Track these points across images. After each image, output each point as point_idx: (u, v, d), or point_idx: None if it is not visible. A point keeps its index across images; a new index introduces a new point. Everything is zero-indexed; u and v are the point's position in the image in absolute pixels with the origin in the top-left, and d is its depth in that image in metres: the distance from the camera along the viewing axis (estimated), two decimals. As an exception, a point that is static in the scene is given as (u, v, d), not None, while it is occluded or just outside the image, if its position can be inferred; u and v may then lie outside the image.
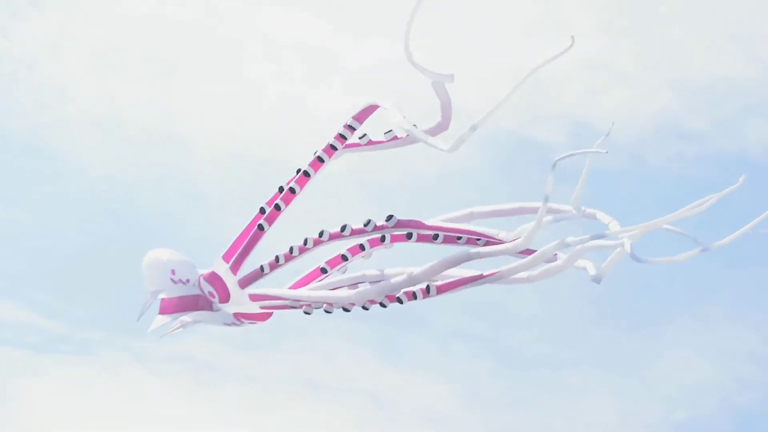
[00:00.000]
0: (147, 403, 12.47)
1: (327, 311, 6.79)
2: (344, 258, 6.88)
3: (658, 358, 12.13)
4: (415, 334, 11.98)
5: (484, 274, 6.40)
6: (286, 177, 6.80)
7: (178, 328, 6.87)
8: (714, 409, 12.00)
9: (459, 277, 6.50)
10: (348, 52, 13.40)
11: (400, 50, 6.03)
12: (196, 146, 13.28)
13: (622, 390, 12.13)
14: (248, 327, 7.00)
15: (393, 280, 6.63)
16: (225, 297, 6.73)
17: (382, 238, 6.78)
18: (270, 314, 6.94)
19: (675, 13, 7.36)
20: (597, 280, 6.08)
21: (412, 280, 6.52)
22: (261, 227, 6.70)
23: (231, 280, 6.73)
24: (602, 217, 6.48)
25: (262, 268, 6.74)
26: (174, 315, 6.80)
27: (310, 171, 6.84)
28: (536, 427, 12.16)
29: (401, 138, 6.88)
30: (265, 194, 6.72)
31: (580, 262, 6.22)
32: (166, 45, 13.81)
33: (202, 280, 6.72)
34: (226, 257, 6.73)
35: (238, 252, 6.75)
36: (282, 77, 13.64)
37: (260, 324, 6.96)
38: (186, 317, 6.85)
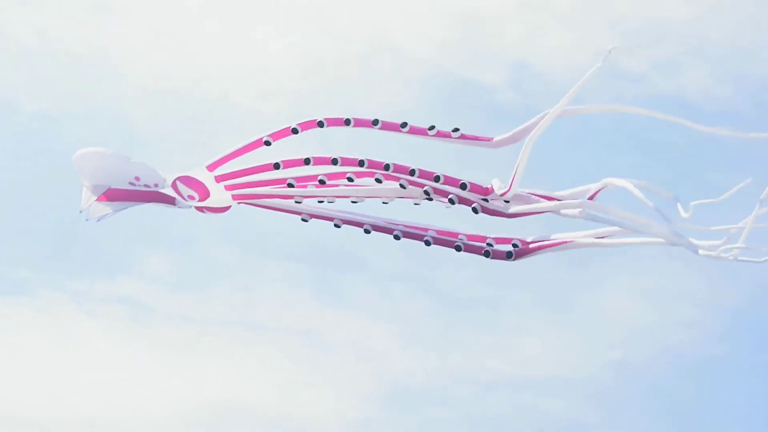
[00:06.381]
0: (83, 344, 12.39)
1: (368, 231, 7.07)
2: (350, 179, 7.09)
3: (595, 298, 12.25)
4: (354, 275, 11.99)
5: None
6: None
7: (108, 212, 6.99)
8: (649, 349, 12.17)
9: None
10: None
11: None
12: (130, 82, 13.09)
13: (558, 329, 12.26)
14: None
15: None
16: (205, 197, 7.06)
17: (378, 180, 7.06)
18: (228, 207, 7.21)
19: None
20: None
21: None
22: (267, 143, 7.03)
23: (215, 186, 7.03)
24: None
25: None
26: (118, 203, 6.95)
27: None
28: (473, 365, 12.26)
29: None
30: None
31: None
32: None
33: (179, 183, 6.81)
34: (210, 167, 7.06)
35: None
36: (218, 13, 13.44)
37: (215, 214, 7.15)
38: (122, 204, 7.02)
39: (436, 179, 7.03)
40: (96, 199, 6.98)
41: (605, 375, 12.12)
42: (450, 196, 7.07)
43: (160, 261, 12.50)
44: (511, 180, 6.98)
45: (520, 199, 7.10)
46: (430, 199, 7.14)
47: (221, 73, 12.85)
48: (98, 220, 7.03)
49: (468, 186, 7.04)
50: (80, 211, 6.98)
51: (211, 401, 12.08)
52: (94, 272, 12.43)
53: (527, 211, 7.05)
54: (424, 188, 7.05)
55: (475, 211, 7.07)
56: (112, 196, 7.01)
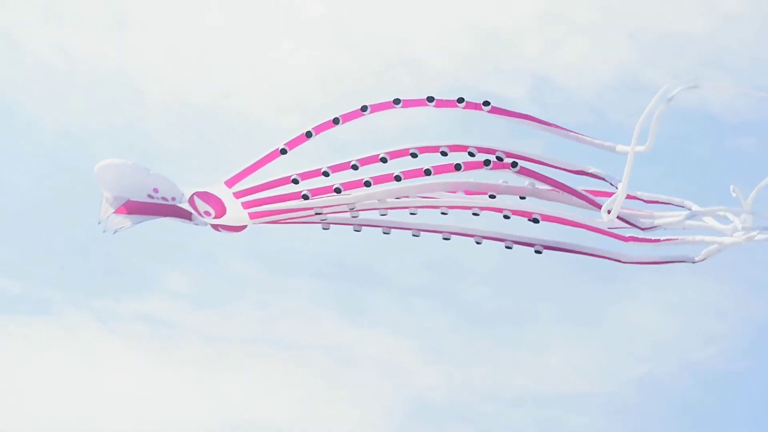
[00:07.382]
0: (106, 362, 12.39)
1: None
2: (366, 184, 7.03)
3: (620, 312, 12.18)
4: (376, 290, 11.96)
5: None
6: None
7: (126, 225, 7.02)
8: (674, 364, 12.09)
9: None
10: (305, 2, 13.26)
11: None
12: (151, 99, 13.12)
13: (582, 344, 12.19)
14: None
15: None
16: (221, 214, 7.04)
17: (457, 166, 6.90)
18: (244, 227, 7.17)
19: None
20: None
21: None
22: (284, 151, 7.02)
23: (233, 203, 7.01)
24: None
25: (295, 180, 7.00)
26: (136, 216, 6.98)
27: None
28: (496, 381, 12.20)
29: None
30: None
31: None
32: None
33: (196, 198, 6.81)
34: (229, 183, 7.05)
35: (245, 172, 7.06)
36: (237, 29, 13.48)
37: (232, 234, 7.12)
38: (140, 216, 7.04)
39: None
40: (114, 211, 7.02)
41: (630, 390, 12.05)
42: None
43: (182, 278, 12.51)
44: (615, 200, 6.94)
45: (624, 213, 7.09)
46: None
47: (241, 88, 12.88)
48: (115, 232, 7.06)
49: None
50: (98, 223, 7.02)
51: (233, 418, 12.06)
52: (117, 290, 12.45)
53: (668, 225, 7.05)
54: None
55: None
56: (131, 208, 7.05)
